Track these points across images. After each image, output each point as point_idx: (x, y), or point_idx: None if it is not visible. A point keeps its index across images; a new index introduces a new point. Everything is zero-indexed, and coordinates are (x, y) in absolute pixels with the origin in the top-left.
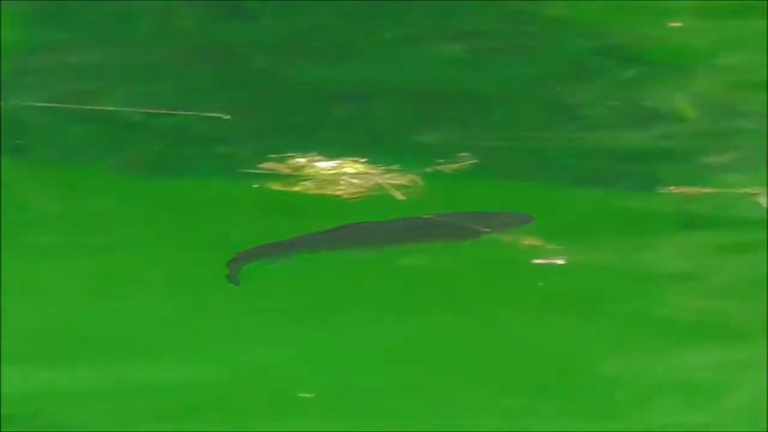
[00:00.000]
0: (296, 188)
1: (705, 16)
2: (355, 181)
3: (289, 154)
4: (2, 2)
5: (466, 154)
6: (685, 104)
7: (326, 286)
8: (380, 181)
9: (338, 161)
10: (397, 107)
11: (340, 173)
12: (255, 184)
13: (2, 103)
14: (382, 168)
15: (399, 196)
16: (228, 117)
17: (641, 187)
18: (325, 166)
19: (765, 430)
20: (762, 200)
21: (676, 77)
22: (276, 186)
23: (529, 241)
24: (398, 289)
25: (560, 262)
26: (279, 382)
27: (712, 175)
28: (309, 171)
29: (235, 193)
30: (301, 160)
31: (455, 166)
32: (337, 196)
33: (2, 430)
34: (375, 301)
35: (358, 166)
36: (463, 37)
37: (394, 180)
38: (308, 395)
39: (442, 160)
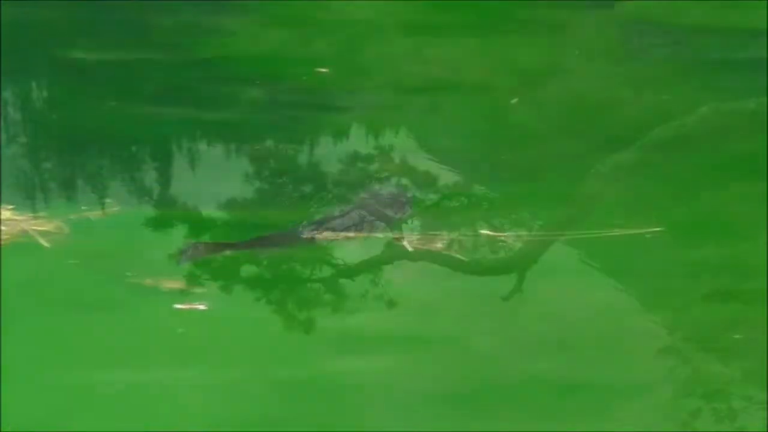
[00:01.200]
0: None
1: None
2: (1, 228)
3: None
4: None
5: (110, 200)
6: None
7: None
8: (26, 227)
9: None
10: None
11: None
12: None
13: None
14: (29, 215)
15: (44, 243)
16: None
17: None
18: None
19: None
20: (407, 245)
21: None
22: None
23: (171, 284)
24: None
25: (201, 307)
26: None
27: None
28: None
29: None
30: None
31: (100, 212)
32: None
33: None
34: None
35: (5, 212)
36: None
37: (40, 226)
38: None
39: (86, 207)
